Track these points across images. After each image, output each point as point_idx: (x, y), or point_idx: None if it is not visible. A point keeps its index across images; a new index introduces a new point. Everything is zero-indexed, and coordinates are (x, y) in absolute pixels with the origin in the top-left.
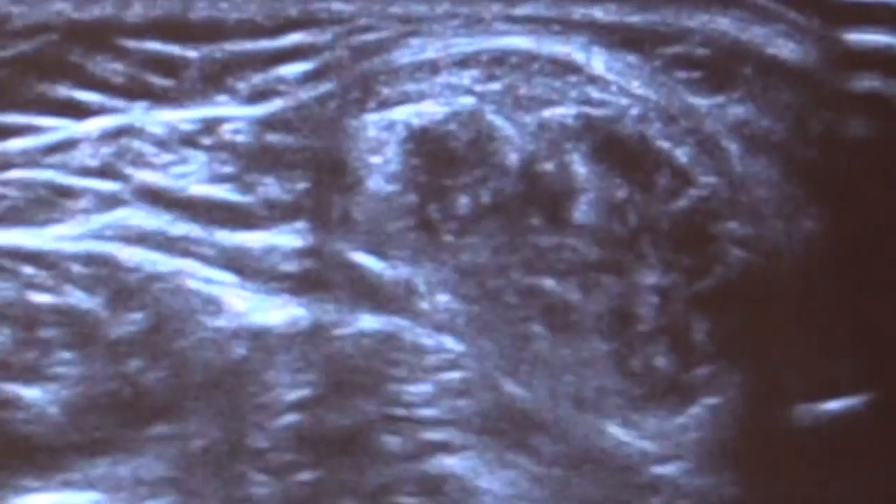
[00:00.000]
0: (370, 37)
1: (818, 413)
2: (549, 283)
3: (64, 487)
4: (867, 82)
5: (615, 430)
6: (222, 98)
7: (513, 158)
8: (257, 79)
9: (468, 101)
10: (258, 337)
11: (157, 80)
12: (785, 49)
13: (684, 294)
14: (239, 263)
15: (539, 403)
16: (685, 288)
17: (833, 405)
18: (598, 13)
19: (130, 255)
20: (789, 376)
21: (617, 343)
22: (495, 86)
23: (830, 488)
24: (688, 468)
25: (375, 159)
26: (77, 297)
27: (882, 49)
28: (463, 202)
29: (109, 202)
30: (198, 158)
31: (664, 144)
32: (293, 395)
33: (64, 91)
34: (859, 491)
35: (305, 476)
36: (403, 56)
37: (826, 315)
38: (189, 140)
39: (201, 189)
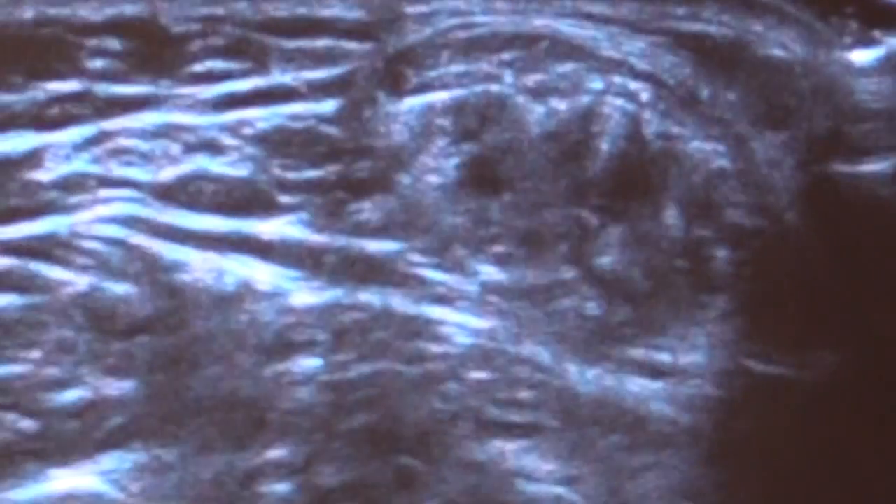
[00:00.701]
0: (395, 14)
1: (807, 370)
2: (565, 269)
3: (79, 475)
4: (875, 78)
5: (615, 383)
6: (244, 97)
7: (537, 140)
8: (282, 74)
9: (491, 86)
10: (287, 318)
11: (181, 75)
12: (790, 45)
13: (693, 262)
14: (266, 253)
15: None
16: (696, 256)
17: (821, 365)
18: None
19: (150, 245)
20: (781, 335)
21: (619, 307)
22: (516, 70)
23: (814, 441)
24: (687, 422)
25: (400, 146)
26: (103, 287)
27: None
28: (489, 181)
29: (132, 196)
30: (222, 154)
31: (678, 126)
32: (322, 375)
33: (87, 87)
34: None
35: (333, 444)
36: (423, 41)
37: (825, 285)
38: (214, 137)
39: (222, 183)
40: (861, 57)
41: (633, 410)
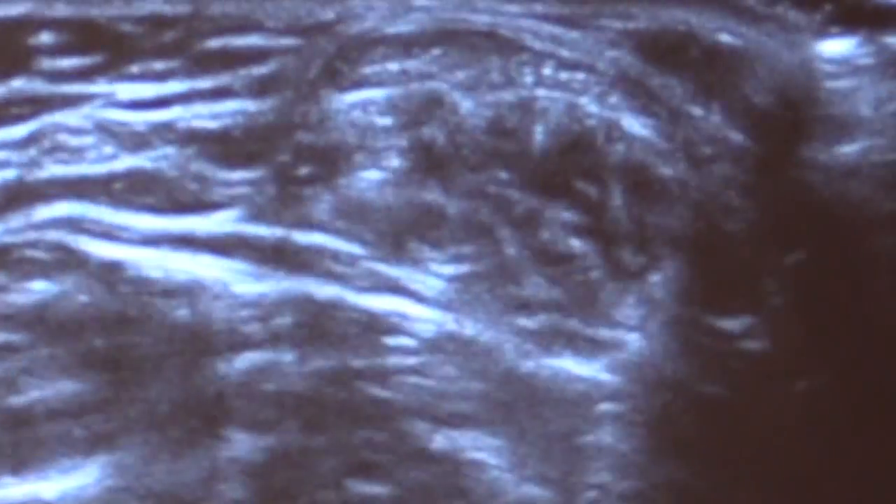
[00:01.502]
0: (329, 13)
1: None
2: (505, 235)
3: (30, 482)
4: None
5: (564, 365)
6: (182, 96)
7: (475, 131)
8: (219, 72)
9: (426, 82)
10: (237, 314)
11: (120, 73)
12: (733, 35)
13: (639, 241)
14: (211, 248)
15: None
16: (641, 235)
17: (768, 339)
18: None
19: (92, 245)
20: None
21: (565, 287)
22: (450, 65)
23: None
24: (634, 399)
25: (339, 142)
26: (49, 290)
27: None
28: (430, 173)
29: (70, 197)
30: (159, 152)
31: (617, 112)
32: (277, 370)
33: (24, 85)
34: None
35: (291, 437)
36: (358, 38)
37: (772, 260)
38: (151, 135)
39: (160, 181)
40: (828, 48)
41: (585, 392)
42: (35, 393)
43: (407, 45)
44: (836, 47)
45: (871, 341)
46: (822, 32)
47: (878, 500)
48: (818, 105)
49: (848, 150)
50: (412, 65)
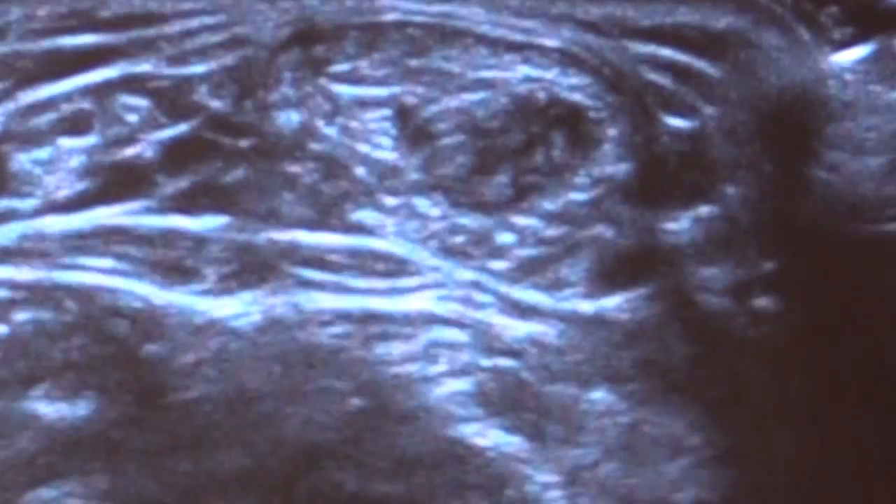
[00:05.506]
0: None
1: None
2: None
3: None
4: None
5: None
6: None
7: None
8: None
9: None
10: (222, 331)
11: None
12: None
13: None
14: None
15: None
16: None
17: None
18: None
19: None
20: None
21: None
22: (418, 62)
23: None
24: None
25: (301, 136)
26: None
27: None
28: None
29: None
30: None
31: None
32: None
33: None
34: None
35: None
36: (328, 33)
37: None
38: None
39: (132, 183)
40: (842, 57)
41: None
42: None
43: (377, 40)
44: (849, 55)
45: (876, 354)
46: (834, 40)
47: None
48: (827, 116)
49: (856, 164)
50: (382, 61)
